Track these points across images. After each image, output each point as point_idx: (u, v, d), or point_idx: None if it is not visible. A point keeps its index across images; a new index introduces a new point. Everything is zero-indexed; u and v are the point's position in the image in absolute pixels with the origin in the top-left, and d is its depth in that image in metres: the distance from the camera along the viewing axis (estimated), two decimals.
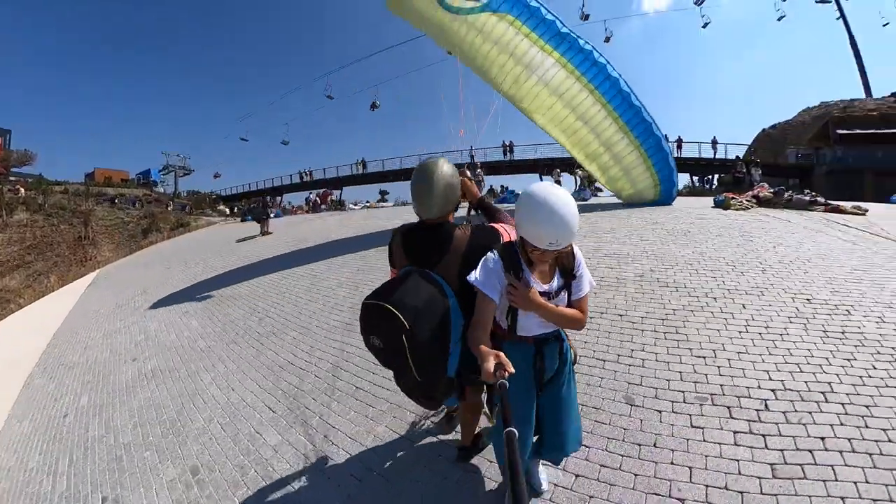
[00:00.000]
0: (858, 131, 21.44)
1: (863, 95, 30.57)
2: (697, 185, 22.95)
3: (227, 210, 26.86)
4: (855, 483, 1.98)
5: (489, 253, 1.59)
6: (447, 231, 1.72)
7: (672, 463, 2.12)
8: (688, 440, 2.24)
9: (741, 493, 1.95)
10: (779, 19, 27.33)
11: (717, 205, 8.67)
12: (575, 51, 7.80)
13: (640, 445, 2.24)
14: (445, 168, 1.71)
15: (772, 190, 8.92)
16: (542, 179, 21.87)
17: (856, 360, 2.95)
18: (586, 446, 2.26)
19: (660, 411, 2.50)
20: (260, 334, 5.06)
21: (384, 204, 22.48)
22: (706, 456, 2.14)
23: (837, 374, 2.78)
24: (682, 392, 2.66)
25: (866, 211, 8.11)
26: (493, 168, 24.80)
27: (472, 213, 2.15)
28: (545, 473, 2.09)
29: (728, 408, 2.48)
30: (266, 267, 8.65)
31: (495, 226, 1.83)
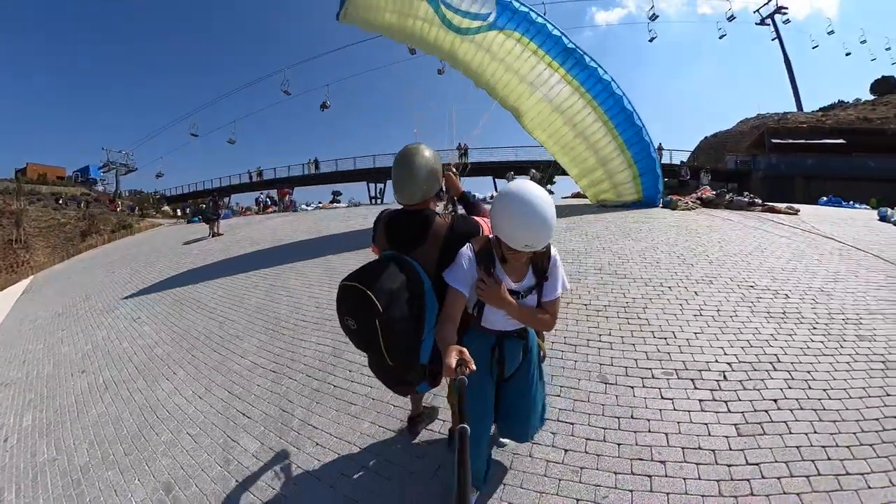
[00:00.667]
0: (790, 141, 23.73)
1: (795, 109, 34.00)
2: (665, 197, 24.53)
3: (178, 210, 25.23)
4: (806, 434, 2.30)
5: (464, 247, 1.60)
6: (427, 217, 1.73)
7: (650, 431, 2.32)
8: (660, 410, 2.47)
9: (713, 450, 2.19)
10: (720, 37, 29.82)
11: (665, 205, 9.33)
12: (581, 67, 7.85)
13: (618, 418, 2.43)
14: (427, 153, 1.71)
15: (714, 192, 9.72)
16: (495, 183, 22.33)
17: (796, 335, 3.35)
18: (570, 423, 2.42)
19: (632, 387, 2.72)
20: (222, 338, 4.86)
21: (338, 205, 22.13)
22: (678, 422, 2.37)
23: (782, 348, 3.14)
24: (650, 369, 2.90)
25: (798, 211, 9.01)
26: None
27: (449, 206, 2.18)
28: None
29: (692, 380, 2.74)
30: (220, 269, 8.30)
31: (476, 219, 1.83)
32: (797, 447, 2.25)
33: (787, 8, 35.48)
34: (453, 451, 2.30)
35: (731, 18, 32.15)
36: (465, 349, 1.23)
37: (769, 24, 36.85)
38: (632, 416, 2.43)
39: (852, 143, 23.15)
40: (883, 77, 36.70)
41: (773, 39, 35.68)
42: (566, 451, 2.25)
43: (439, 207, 2.07)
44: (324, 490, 2.32)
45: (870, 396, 2.68)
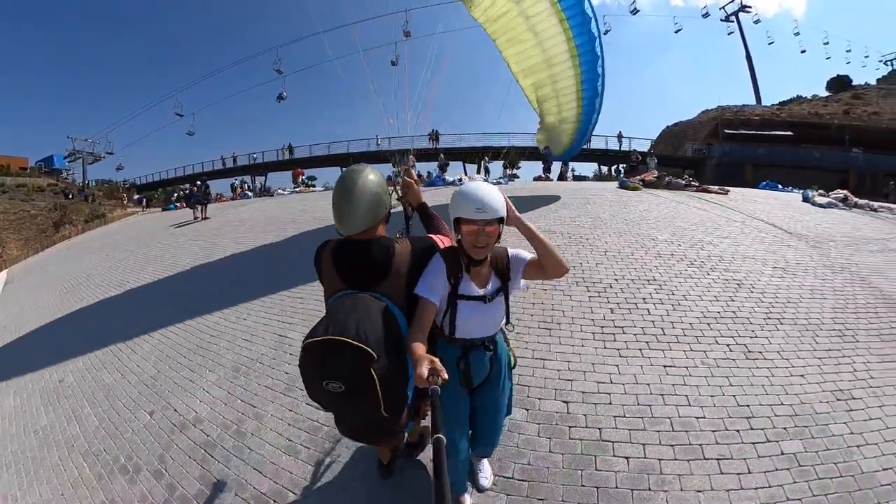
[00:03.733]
0: (743, 131, 26.13)
1: (754, 102, 36.84)
2: (605, 172, 27.00)
3: (178, 193, 25.27)
4: (661, 316, 3.91)
5: (434, 257, 1.70)
6: (385, 247, 1.64)
7: (552, 309, 3.88)
8: (562, 301, 4.03)
9: (593, 319, 3.74)
10: (676, 31, 32.13)
11: (622, 186, 11.01)
12: None
13: (534, 304, 3.97)
14: (371, 177, 1.63)
15: (656, 175, 11.39)
16: (465, 168, 23.75)
17: (674, 266, 4.94)
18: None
19: (545, 290, 4.27)
20: (258, 281, 6.08)
21: (313, 189, 23.07)
22: (572, 306, 3.93)
23: (659, 273, 4.73)
24: (559, 281, 4.39)
25: (728, 192, 10.76)
26: (423, 155, 25.97)
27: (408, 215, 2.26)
28: (487, 471, 2.31)
29: (587, 287, 4.32)
30: (227, 240, 9.40)
31: (431, 237, 1.83)
32: (652, 320, 3.80)
33: (750, 7, 38.10)
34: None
35: (705, 16, 34.75)
36: (436, 359, 1.29)
37: (734, 21, 39.57)
38: (542, 303, 3.97)
39: (801, 136, 25.66)
40: (838, 76, 39.69)
41: (729, 34, 38.20)
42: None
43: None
44: None
45: (717, 301, 4.25)
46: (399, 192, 2.13)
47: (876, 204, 10.50)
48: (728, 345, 3.57)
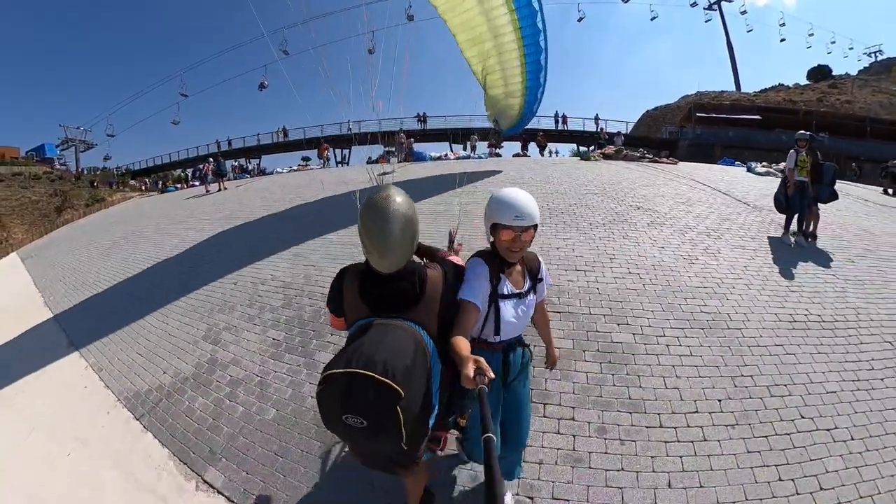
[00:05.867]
0: (713, 115, 28.66)
1: (734, 88, 39.53)
2: (581, 151, 29.67)
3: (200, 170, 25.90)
4: (571, 217, 6.14)
5: (472, 259, 1.79)
6: (418, 272, 1.63)
7: None
8: None
9: None
10: (652, 19, 34.72)
11: (582, 157, 13.29)
12: None
13: None
14: (399, 200, 1.55)
15: (614, 149, 13.68)
16: (451, 147, 25.77)
17: (592, 198, 7.20)
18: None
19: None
20: (299, 215, 8.15)
21: (310, 168, 24.83)
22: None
23: (579, 200, 6.98)
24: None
25: (677, 162, 13.05)
26: (410, 135, 27.31)
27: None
28: (509, 496, 2.35)
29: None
30: (255, 200, 11.28)
31: (452, 259, 1.90)
32: (563, 220, 6.06)
33: None
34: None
35: (693, 5, 37.35)
36: (481, 358, 1.31)
37: (716, 10, 42.19)
38: None
39: (770, 120, 28.22)
40: (819, 66, 42.24)
41: (706, 21, 40.69)
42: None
43: (391, 166, 3.15)
44: None
45: (615, 213, 6.48)
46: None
47: None
48: (612, 232, 5.80)
